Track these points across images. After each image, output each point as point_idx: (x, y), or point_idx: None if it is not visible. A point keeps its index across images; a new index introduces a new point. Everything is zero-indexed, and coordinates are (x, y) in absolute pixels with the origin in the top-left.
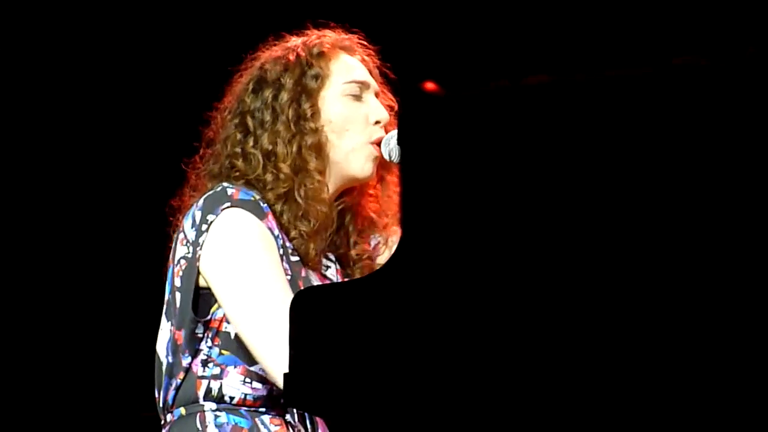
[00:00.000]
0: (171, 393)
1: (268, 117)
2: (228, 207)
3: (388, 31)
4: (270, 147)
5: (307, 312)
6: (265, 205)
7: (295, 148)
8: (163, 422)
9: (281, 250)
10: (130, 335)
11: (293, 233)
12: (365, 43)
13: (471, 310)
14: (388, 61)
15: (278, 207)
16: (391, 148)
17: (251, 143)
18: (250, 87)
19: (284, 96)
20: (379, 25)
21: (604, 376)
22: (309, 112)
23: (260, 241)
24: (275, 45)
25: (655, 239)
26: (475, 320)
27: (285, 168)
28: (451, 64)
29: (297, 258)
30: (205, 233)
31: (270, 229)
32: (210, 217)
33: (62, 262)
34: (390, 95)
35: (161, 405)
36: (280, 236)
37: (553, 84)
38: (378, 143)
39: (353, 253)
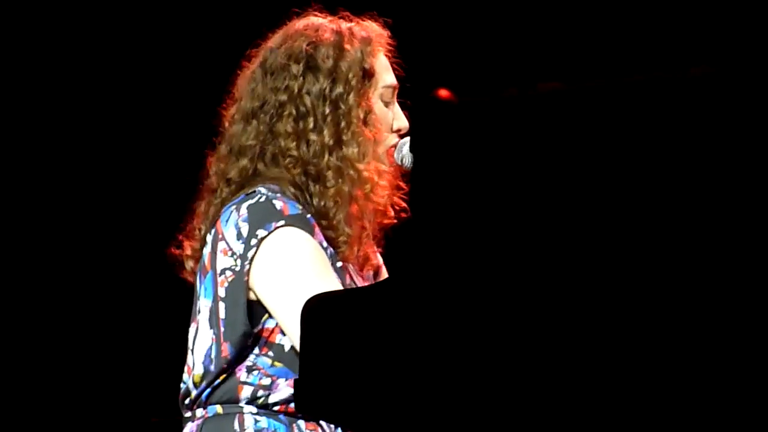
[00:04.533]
0: (206, 390)
1: (328, 109)
2: (282, 225)
3: (401, 37)
4: (333, 142)
5: (318, 318)
6: (310, 216)
7: (370, 150)
8: (190, 416)
9: (330, 263)
10: (140, 340)
11: (341, 238)
12: (390, 40)
13: (481, 317)
14: (401, 67)
15: (330, 206)
16: (403, 154)
17: (311, 126)
18: (302, 66)
19: (350, 95)
20: (393, 32)
21: (612, 379)
22: (371, 117)
23: (317, 258)
24: (312, 20)
25: (668, 246)
26: (485, 327)
27: (362, 169)
28: (464, 71)
29: (340, 264)
30: (255, 248)
31: (320, 242)
32: (260, 233)
33: (73, 266)
34: None
35: (188, 402)
36: (328, 247)
37: (566, 91)
38: (394, 146)
39: (374, 262)
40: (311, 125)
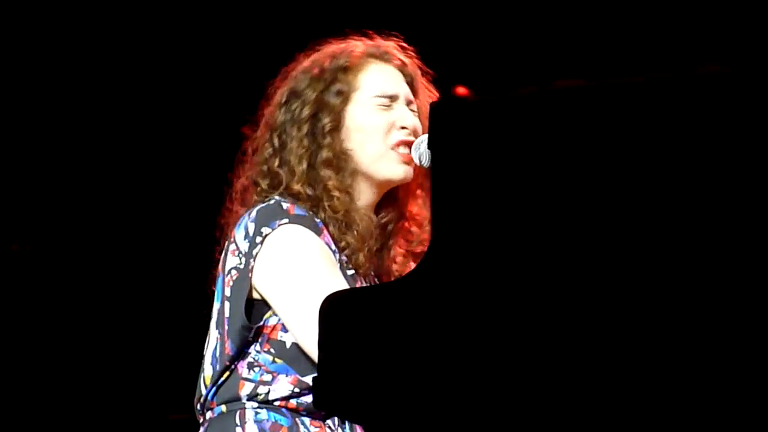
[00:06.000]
0: (212, 390)
1: (294, 132)
2: (286, 222)
3: (419, 36)
4: (292, 162)
5: (336, 316)
6: (319, 220)
7: (314, 160)
8: (201, 421)
9: (338, 265)
10: (159, 340)
11: (342, 244)
12: (404, 45)
13: (500, 314)
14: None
15: (321, 216)
16: (421, 152)
17: (276, 162)
18: (283, 99)
19: (305, 111)
20: (411, 30)
21: (637, 378)
22: (328, 127)
23: (321, 255)
24: (310, 53)
25: (690, 244)
26: (504, 325)
27: (300, 187)
28: (482, 69)
29: (352, 272)
30: (259, 245)
31: (327, 244)
32: (264, 230)
33: (97, 268)
34: (432, 90)
35: (200, 407)
36: (336, 251)
37: (583, 89)
38: (401, 145)
39: (395, 268)
40: (277, 162)
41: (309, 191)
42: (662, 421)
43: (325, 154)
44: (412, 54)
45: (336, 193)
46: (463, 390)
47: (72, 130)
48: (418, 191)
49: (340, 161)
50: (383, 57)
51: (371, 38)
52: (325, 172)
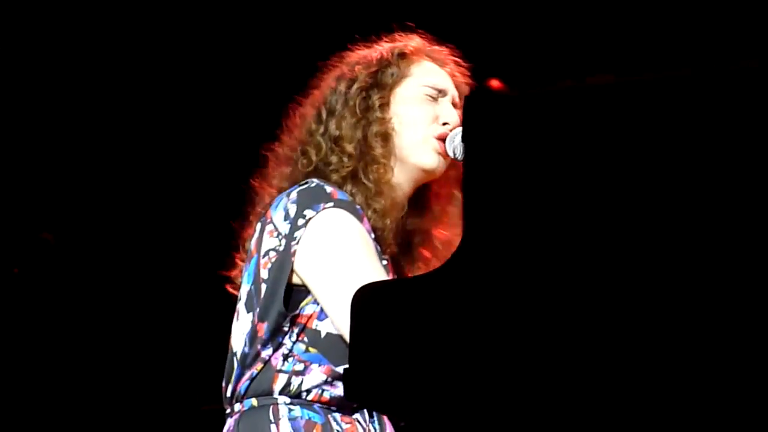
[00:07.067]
0: (244, 383)
1: (338, 106)
2: (331, 206)
3: (454, 29)
4: (337, 132)
5: (368, 308)
6: (359, 206)
7: (360, 134)
8: (229, 411)
9: (377, 252)
10: (190, 330)
11: (369, 213)
12: (458, 60)
13: (531, 309)
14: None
15: (348, 188)
16: (455, 145)
17: (321, 131)
18: (334, 79)
19: (355, 86)
20: (446, 23)
21: (665, 380)
22: (378, 103)
23: (364, 242)
24: (365, 47)
25: (730, 238)
26: (534, 320)
27: (349, 148)
28: (517, 63)
29: (385, 261)
30: (303, 228)
31: (368, 231)
32: (308, 213)
33: (128, 259)
34: None
35: (230, 394)
36: (374, 239)
37: (618, 84)
38: (442, 138)
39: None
40: (321, 130)
41: (354, 153)
42: (677, 423)
43: (375, 127)
44: (464, 70)
45: (381, 160)
46: (490, 383)
47: (105, 125)
48: (449, 207)
49: (389, 137)
50: (437, 60)
51: (423, 38)
52: (375, 142)
